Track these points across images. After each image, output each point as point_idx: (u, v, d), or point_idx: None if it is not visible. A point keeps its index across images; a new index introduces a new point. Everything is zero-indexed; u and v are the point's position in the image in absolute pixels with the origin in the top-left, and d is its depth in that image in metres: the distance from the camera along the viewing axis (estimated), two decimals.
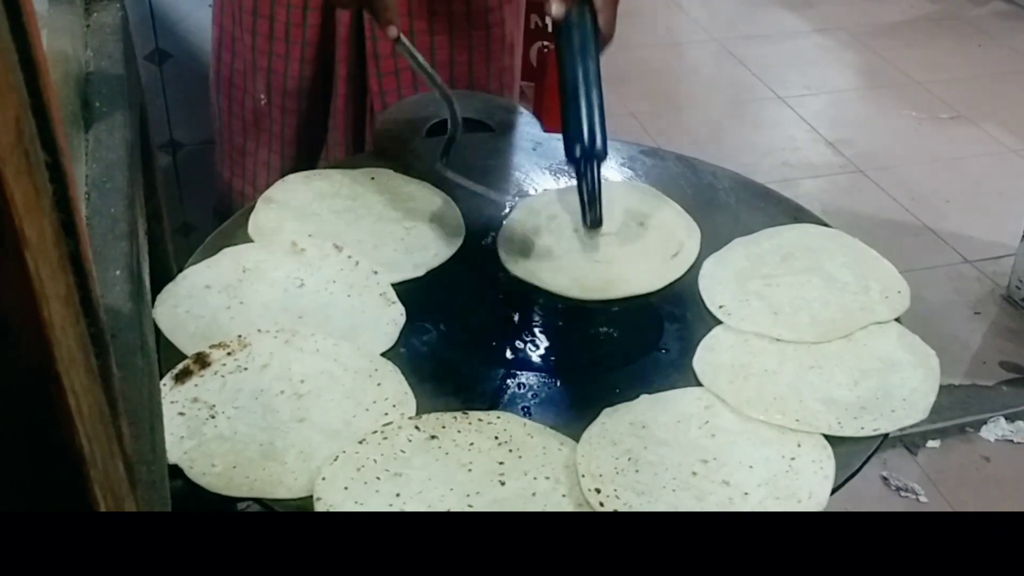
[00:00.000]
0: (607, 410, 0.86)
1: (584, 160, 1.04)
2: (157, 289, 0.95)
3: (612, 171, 1.19)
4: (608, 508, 0.77)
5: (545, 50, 2.09)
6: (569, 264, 1.05)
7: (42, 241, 0.31)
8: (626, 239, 1.08)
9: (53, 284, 0.31)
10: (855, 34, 3.62)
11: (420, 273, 1.03)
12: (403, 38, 1.00)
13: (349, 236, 1.05)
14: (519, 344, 0.96)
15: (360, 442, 0.81)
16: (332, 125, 1.25)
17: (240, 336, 0.91)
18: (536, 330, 0.98)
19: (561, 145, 1.25)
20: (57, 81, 0.70)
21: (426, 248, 1.05)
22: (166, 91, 1.76)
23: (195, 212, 1.83)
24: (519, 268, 1.04)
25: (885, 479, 1.85)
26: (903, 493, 1.83)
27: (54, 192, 0.33)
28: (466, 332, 0.97)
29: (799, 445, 0.83)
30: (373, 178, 1.13)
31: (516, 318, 0.99)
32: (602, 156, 1.04)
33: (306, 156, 1.30)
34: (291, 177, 1.13)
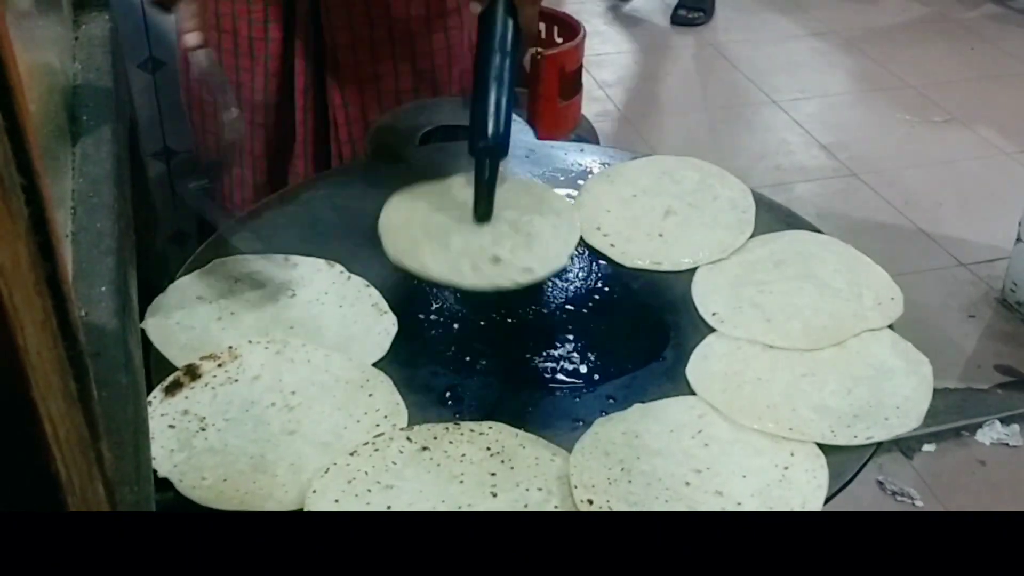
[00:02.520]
0: (600, 420, 0.86)
1: (484, 154, 1.04)
2: (150, 300, 0.94)
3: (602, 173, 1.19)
4: None
5: (539, 56, 2.08)
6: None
7: (17, 266, 0.30)
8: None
9: (28, 309, 0.31)
10: (848, 38, 3.63)
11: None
12: (200, 51, 0.97)
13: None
14: (511, 353, 0.95)
15: (351, 454, 0.81)
16: (296, 138, 1.25)
17: (231, 347, 0.90)
18: (528, 339, 0.97)
19: (555, 152, 1.25)
20: (43, 94, 0.69)
21: None
22: (159, 99, 1.75)
23: (189, 220, 1.83)
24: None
25: (881, 484, 1.85)
26: (899, 498, 1.83)
27: (30, 215, 0.32)
28: (458, 341, 0.97)
29: (792, 454, 0.83)
30: None
31: (509, 327, 0.99)
32: (502, 153, 1.05)
33: (277, 170, 1.29)
34: None
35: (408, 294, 1.01)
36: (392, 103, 1.25)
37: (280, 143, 1.27)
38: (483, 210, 1.05)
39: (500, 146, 1.04)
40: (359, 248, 1.05)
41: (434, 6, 1.23)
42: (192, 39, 0.96)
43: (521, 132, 1.28)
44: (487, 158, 1.04)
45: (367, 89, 1.23)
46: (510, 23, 1.05)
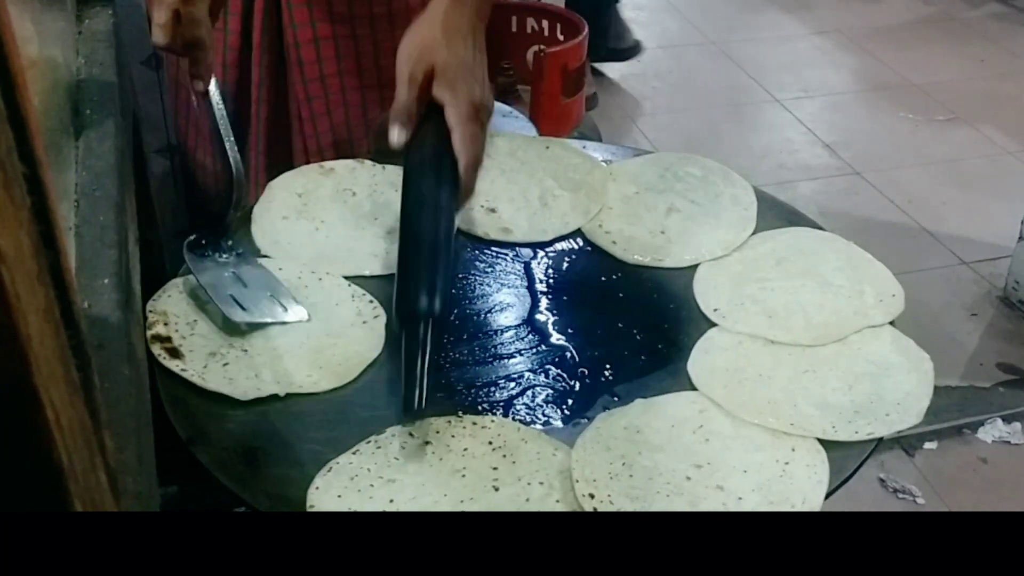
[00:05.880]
0: (602, 415, 0.86)
1: (415, 322, 0.86)
2: (151, 295, 0.94)
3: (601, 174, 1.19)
4: None
5: (541, 53, 2.08)
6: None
7: (19, 254, 0.30)
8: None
9: (31, 297, 0.31)
10: (852, 36, 3.62)
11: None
12: (211, 94, 0.97)
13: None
14: (514, 347, 0.96)
15: (353, 452, 0.81)
16: (250, 131, 1.25)
17: None
18: (530, 334, 0.98)
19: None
20: (47, 88, 0.69)
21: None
22: (163, 96, 1.75)
23: (192, 217, 1.83)
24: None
25: (882, 481, 1.85)
26: (900, 495, 1.83)
27: (32, 204, 0.32)
28: (459, 335, 0.97)
29: (793, 450, 0.83)
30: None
31: (508, 322, 0.99)
32: (434, 314, 0.86)
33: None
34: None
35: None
36: (356, 100, 1.25)
37: (238, 133, 1.27)
38: (413, 398, 0.82)
39: (434, 313, 0.87)
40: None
41: (396, 3, 1.22)
42: (200, 86, 0.97)
43: (524, 129, 1.29)
44: (419, 325, 0.85)
45: (331, 85, 1.23)
46: (445, 160, 0.92)
